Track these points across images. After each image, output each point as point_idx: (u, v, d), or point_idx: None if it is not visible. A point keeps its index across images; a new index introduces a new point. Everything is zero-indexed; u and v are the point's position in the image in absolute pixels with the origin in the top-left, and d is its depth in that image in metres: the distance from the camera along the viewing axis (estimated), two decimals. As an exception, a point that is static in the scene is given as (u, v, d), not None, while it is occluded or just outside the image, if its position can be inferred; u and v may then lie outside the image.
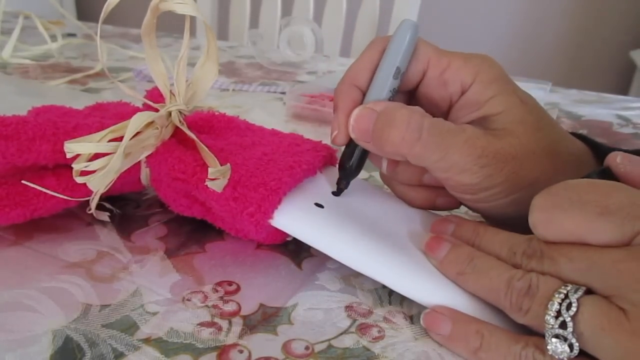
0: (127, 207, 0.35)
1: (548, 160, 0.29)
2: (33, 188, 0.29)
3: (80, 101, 0.42)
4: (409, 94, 0.33)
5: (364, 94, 0.31)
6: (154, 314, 0.26)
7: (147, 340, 0.24)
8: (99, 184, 0.27)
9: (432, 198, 0.32)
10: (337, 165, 0.32)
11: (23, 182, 0.29)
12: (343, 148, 0.32)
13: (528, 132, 0.29)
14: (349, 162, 0.31)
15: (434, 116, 0.28)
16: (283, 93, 0.64)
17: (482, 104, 0.29)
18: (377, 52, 0.31)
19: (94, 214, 0.31)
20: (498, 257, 0.26)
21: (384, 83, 0.30)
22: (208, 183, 0.27)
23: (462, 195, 0.29)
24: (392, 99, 0.30)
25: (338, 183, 0.31)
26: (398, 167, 0.31)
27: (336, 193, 0.32)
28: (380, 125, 0.28)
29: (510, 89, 0.30)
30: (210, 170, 0.27)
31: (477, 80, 0.30)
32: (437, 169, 0.28)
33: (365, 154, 0.31)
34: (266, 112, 0.58)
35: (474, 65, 0.30)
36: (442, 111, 0.32)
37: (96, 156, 0.28)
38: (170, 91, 0.32)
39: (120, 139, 0.27)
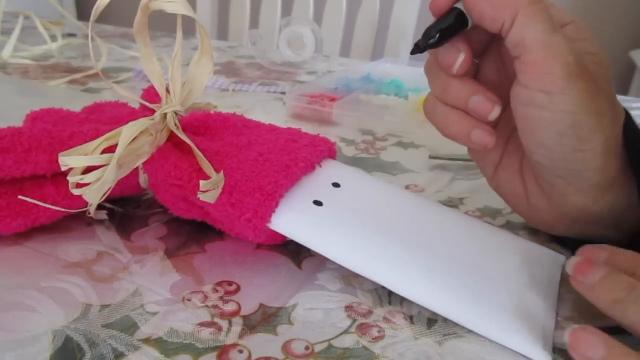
0: (127, 207, 0.35)
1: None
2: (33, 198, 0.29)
3: (80, 101, 0.42)
4: None
5: None
6: (154, 314, 0.26)
7: (147, 340, 0.24)
8: (94, 196, 0.27)
9: (470, 127, 0.30)
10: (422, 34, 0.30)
11: (20, 197, 0.29)
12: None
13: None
14: (435, 29, 0.29)
15: None
16: (283, 93, 0.64)
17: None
18: None
19: (92, 215, 0.31)
20: None
21: None
22: (200, 196, 0.27)
23: (533, 88, 0.27)
24: None
25: (416, 42, 0.30)
26: (452, 82, 0.30)
27: (412, 50, 0.30)
28: None
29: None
30: (202, 183, 0.27)
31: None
32: (537, 41, 0.27)
33: (452, 30, 0.29)
34: (266, 112, 0.58)
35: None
36: None
37: (91, 167, 0.28)
38: (167, 89, 0.31)
39: (114, 147, 0.27)
